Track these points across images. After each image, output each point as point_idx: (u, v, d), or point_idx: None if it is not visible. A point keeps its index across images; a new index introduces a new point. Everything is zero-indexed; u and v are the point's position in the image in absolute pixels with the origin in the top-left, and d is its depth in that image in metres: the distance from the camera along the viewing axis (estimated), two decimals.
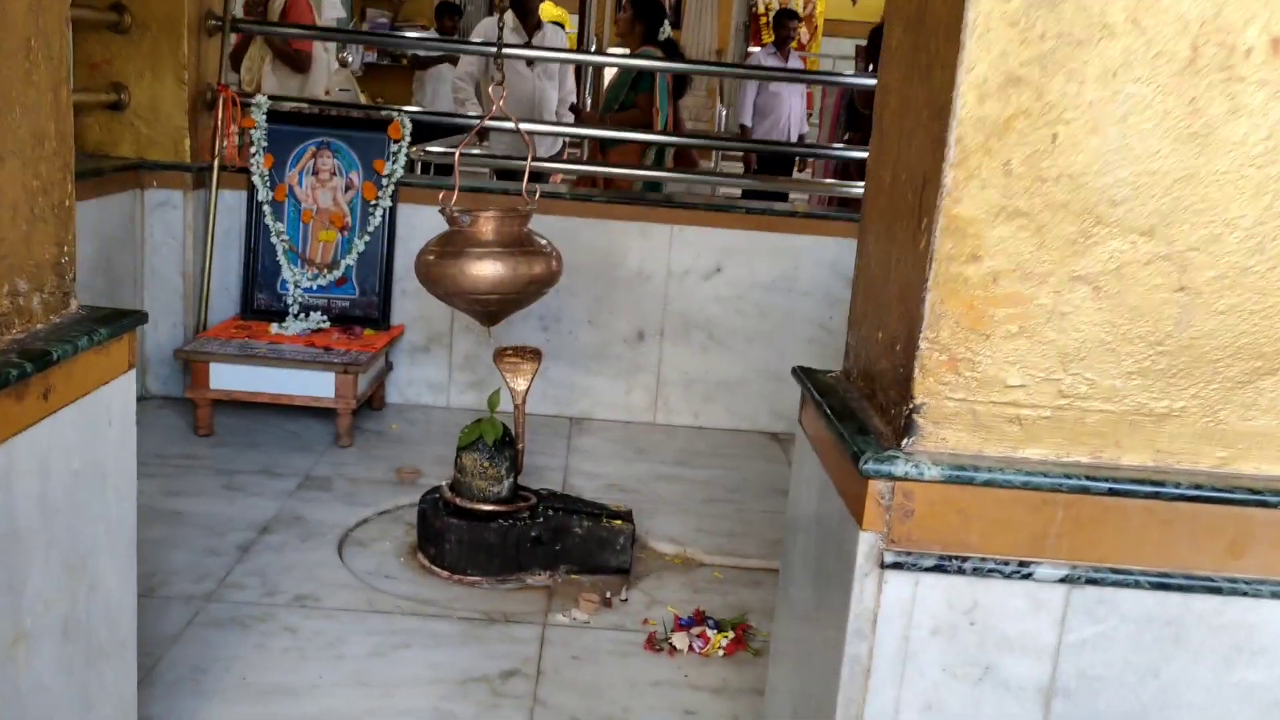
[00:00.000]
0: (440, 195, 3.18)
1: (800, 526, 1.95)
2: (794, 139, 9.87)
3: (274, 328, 4.38)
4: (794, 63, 10.24)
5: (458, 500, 3.32)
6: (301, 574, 3.14)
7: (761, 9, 17.29)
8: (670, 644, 2.91)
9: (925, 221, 1.50)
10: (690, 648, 2.90)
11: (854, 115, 8.22)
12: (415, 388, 4.79)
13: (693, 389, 4.80)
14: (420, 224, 4.44)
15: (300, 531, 3.42)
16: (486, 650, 2.82)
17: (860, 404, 1.75)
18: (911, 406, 1.52)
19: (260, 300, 4.56)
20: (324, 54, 6.95)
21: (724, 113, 12.69)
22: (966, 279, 1.48)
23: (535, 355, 3.44)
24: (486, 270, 3.10)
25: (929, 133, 1.52)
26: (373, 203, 4.53)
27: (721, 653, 2.90)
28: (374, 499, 3.73)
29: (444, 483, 3.44)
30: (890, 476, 1.50)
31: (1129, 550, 1.51)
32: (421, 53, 10.35)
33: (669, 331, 4.75)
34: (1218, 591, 1.51)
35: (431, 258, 3.17)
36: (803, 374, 1.96)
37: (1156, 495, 1.49)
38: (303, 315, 4.50)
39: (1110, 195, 1.45)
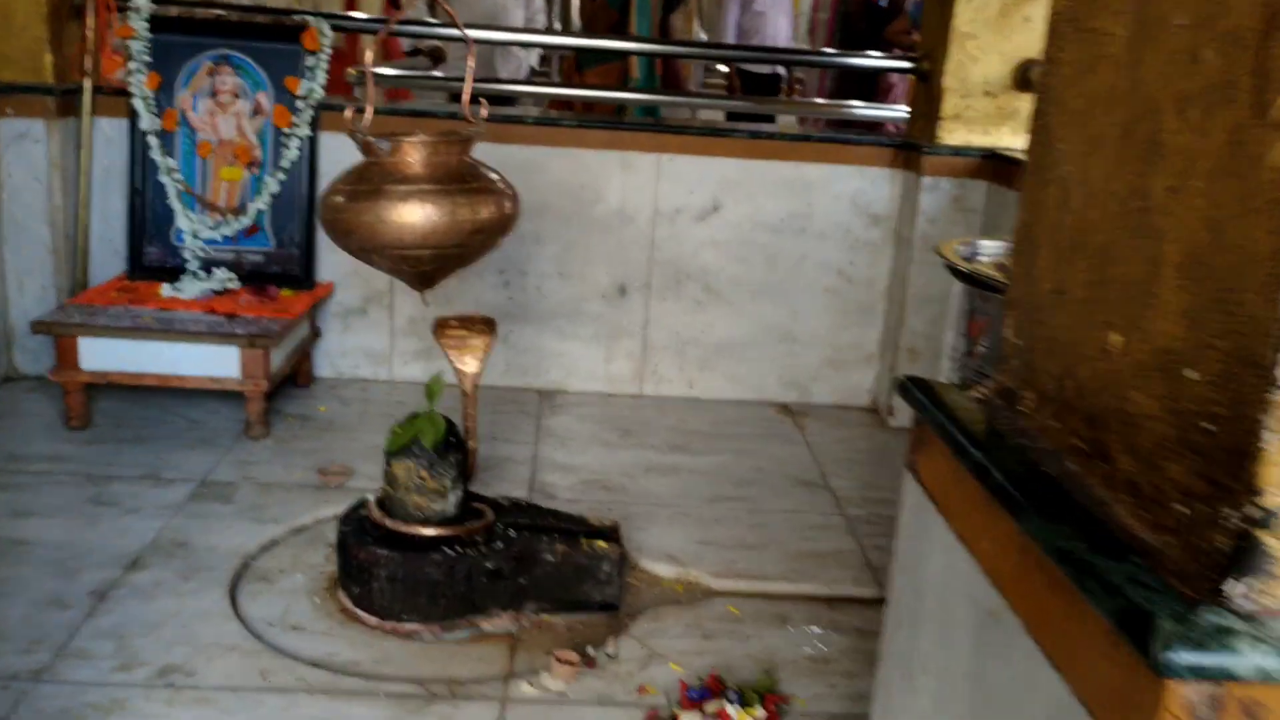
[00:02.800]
0: (347, 113, 2.32)
1: (932, 648, 1.14)
2: (780, 65, 9.00)
3: (165, 289, 3.51)
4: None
5: (388, 522, 2.50)
6: (174, 632, 2.33)
7: None
8: None
9: None
10: None
11: (850, 31, 7.34)
12: (350, 358, 3.94)
13: (686, 353, 3.98)
14: (348, 157, 3.53)
15: (182, 565, 2.60)
16: None
17: (1071, 473, 0.93)
18: (1252, 511, 0.70)
19: (151, 255, 3.68)
20: None
21: (702, 36, 11.72)
22: None
23: (487, 326, 2.61)
24: (414, 215, 2.25)
25: None
26: (287, 131, 3.64)
27: None
28: (287, 511, 2.90)
29: (372, 495, 2.62)
30: (1220, 676, 0.68)
31: None
32: None
33: (657, 284, 3.91)
34: None
35: (339, 199, 2.32)
36: (920, 394, 1.15)
37: None
38: (203, 273, 3.62)
39: None
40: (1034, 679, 0.85)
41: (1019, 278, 1.11)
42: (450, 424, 2.53)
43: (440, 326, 2.59)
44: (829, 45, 8.31)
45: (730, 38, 9.40)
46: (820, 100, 7.21)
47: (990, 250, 2.58)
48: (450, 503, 2.52)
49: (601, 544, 2.59)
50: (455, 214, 2.27)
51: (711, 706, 2.15)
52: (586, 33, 7.06)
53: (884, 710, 1.37)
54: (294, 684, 2.18)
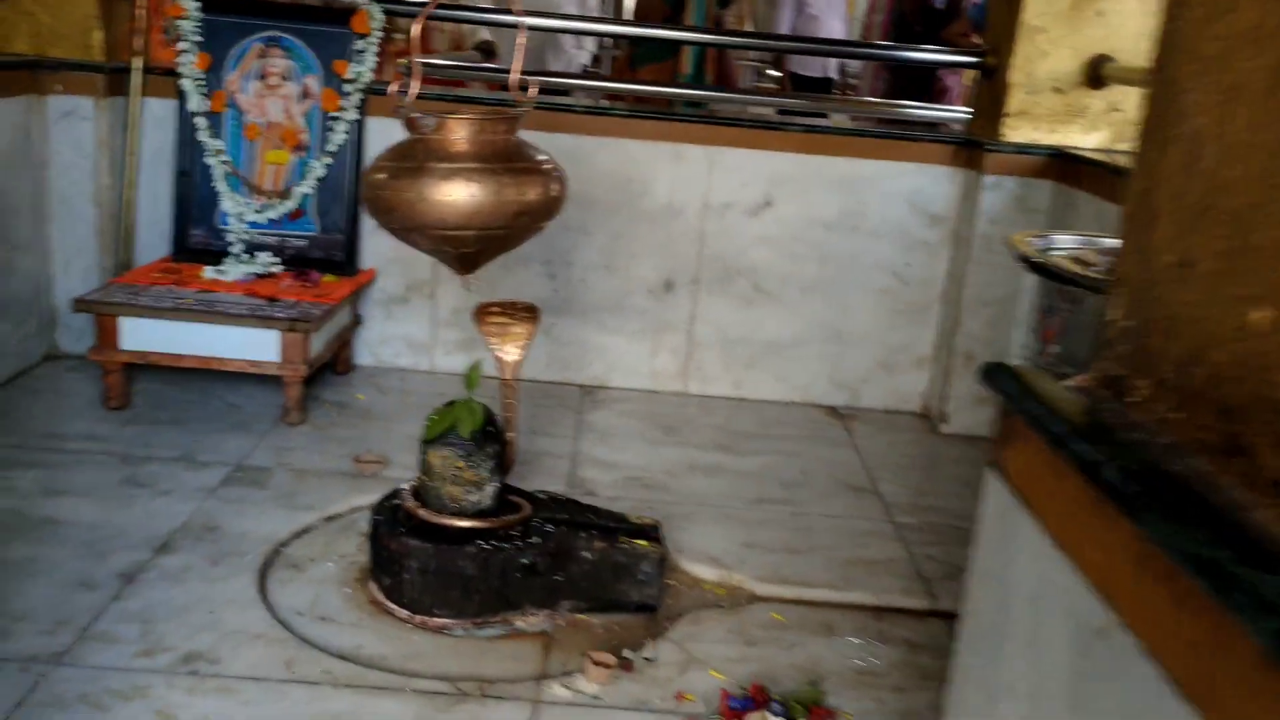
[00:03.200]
0: (392, 87, 2.24)
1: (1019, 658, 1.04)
2: (833, 68, 8.86)
3: (208, 271, 3.46)
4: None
5: (422, 512, 2.43)
6: (201, 618, 2.26)
7: None
8: None
9: None
10: None
11: (905, 33, 7.17)
12: (390, 347, 3.88)
13: (733, 352, 3.87)
14: (395, 141, 3.49)
15: (212, 550, 2.54)
16: None
17: (1202, 471, 0.82)
18: None
19: (196, 238, 3.64)
20: None
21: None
22: None
23: (530, 314, 2.52)
24: (458, 194, 2.17)
25: None
26: (334, 115, 3.59)
27: None
28: (321, 498, 2.84)
29: (407, 485, 2.55)
30: None
31: None
32: None
33: (705, 280, 3.81)
34: None
35: (382, 176, 2.24)
36: (1010, 381, 1.05)
37: None
38: (247, 256, 3.58)
39: None
40: (1156, 709, 0.74)
41: (1130, 252, 1.00)
42: (489, 413, 2.45)
43: (481, 313, 2.51)
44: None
45: None
46: (875, 99, 7.06)
47: (1065, 243, 2.45)
48: (486, 495, 2.44)
49: (642, 543, 2.50)
50: (500, 194, 2.19)
51: (754, 718, 2.05)
52: (639, 23, 6.99)
53: None
54: (320, 676, 2.11)
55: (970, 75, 4.81)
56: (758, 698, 2.11)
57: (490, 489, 2.45)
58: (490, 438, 2.44)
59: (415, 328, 3.85)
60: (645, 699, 2.14)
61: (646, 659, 2.28)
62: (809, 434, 3.65)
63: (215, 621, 2.25)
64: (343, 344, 3.69)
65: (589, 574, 2.45)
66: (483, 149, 2.22)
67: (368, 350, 3.87)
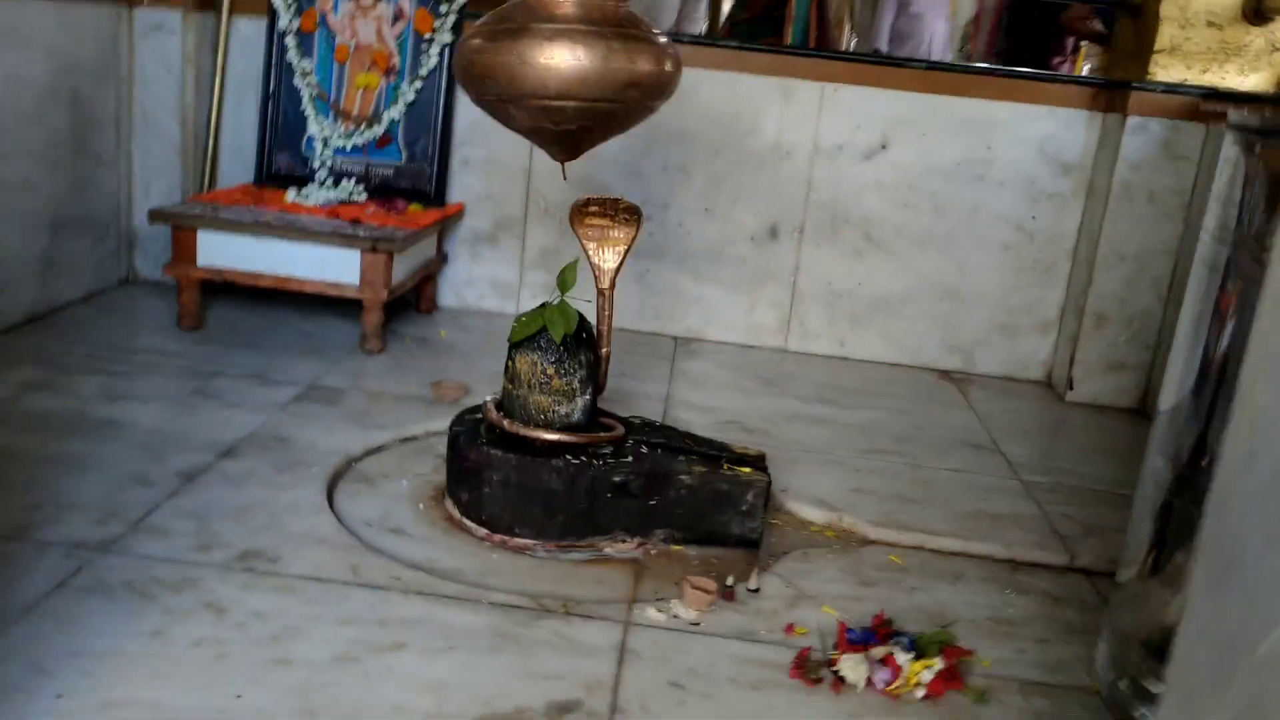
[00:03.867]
0: None
1: None
2: (938, 47, 8.53)
3: (291, 194, 3.31)
4: None
5: (506, 423, 2.20)
6: (262, 519, 2.06)
7: None
8: (835, 672, 1.75)
9: None
10: (869, 681, 1.73)
11: (1017, 25, 6.83)
12: (476, 288, 3.68)
13: (839, 307, 3.60)
14: None
15: (278, 458, 2.34)
16: (529, 664, 1.70)
17: None
18: None
19: (280, 163, 3.50)
20: None
21: (853, 41, 11.33)
22: None
23: (633, 217, 2.29)
24: (561, 57, 1.95)
25: None
26: (428, 37, 3.41)
27: (922, 692, 1.73)
28: (397, 420, 2.64)
29: (489, 397, 2.33)
30: None
31: None
32: None
33: (811, 228, 3.55)
34: None
35: (477, 41, 2.03)
36: None
37: None
38: (331, 182, 3.41)
39: None
40: None
41: None
42: (583, 319, 2.22)
43: (578, 213, 2.28)
44: (991, 46, 7.80)
45: (884, 40, 8.96)
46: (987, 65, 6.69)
47: None
48: (577, 407, 2.21)
49: (747, 470, 2.24)
50: (609, 61, 1.96)
51: (878, 652, 1.77)
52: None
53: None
54: (388, 582, 1.89)
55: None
56: (880, 629, 1.83)
57: (581, 402, 2.22)
58: (584, 344, 2.21)
59: (503, 269, 3.65)
60: (750, 629, 1.88)
61: (751, 590, 2.02)
62: (920, 394, 3.36)
63: (277, 523, 2.05)
64: (426, 279, 3.51)
65: (686, 500, 2.20)
66: (590, 12, 1.99)
67: (452, 291, 3.68)
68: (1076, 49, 6.05)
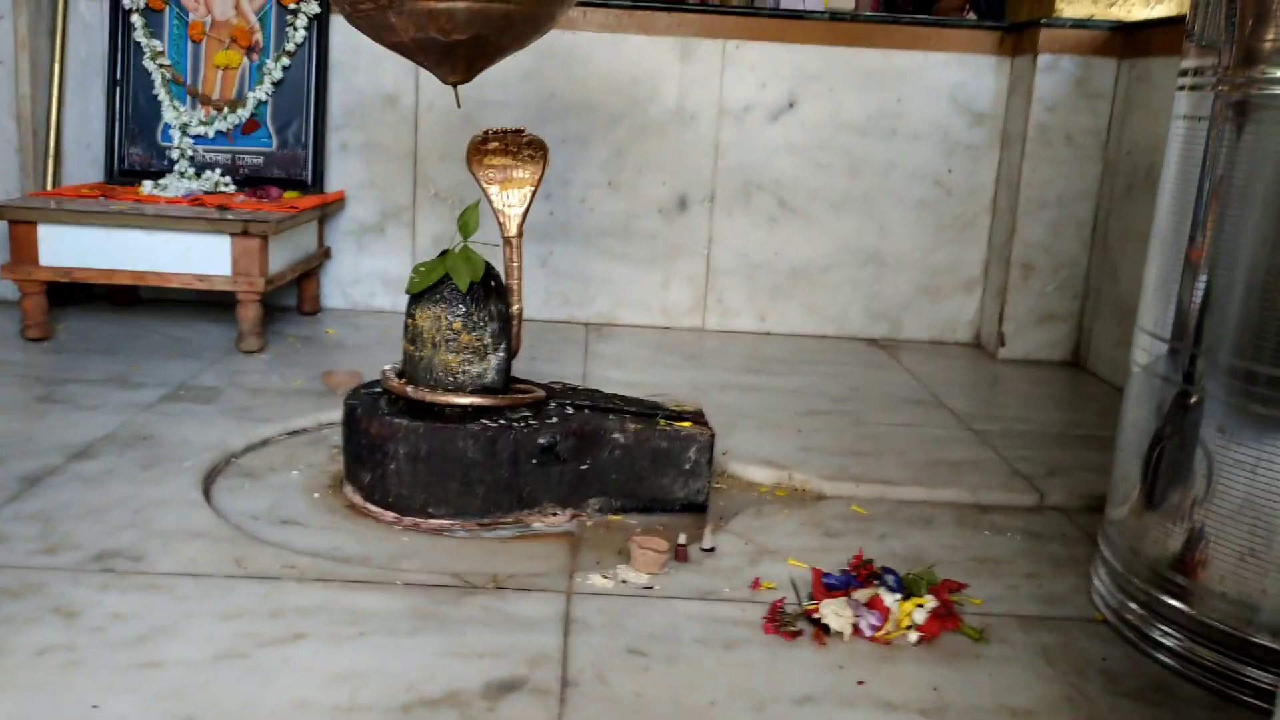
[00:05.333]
0: None
1: None
2: None
3: (146, 186, 2.96)
4: None
5: (410, 390, 1.92)
6: (123, 517, 1.73)
7: None
8: (815, 621, 1.50)
9: None
10: (855, 629, 1.49)
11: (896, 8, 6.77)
12: (364, 285, 3.37)
13: (757, 279, 3.40)
14: (364, 39, 3.03)
15: (143, 456, 2.01)
16: (459, 643, 1.41)
17: None
18: None
19: (133, 156, 3.15)
20: None
21: None
22: None
23: (538, 152, 2.04)
24: None
25: None
26: (293, 8, 3.12)
27: (915, 635, 1.50)
28: (283, 413, 2.32)
29: (388, 366, 2.04)
30: None
31: None
32: None
33: (722, 197, 3.34)
34: None
35: None
36: None
37: None
38: (193, 174, 3.08)
39: None
40: None
41: None
42: (490, 266, 1.95)
43: (476, 151, 2.02)
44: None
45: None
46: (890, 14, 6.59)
47: None
48: (490, 366, 1.94)
49: (687, 424, 1.99)
50: None
51: (862, 595, 1.53)
52: None
53: None
54: (280, 571, 1.58)
55: None
56: (860, 569, 1.59)
57: (494, 360, 1.94)
58: (493, 295, 1.94)
59: (393, 262, 3.35)
60: (711, 588, 1.62)
61: (705, 549, 1.76)
62: (851, 360, 3.16)
63: (141, 520, 1.72)
64: (308, 275, 3.19)
65: (622, 463, 1.94)
66: None
67: (338, 290, 3.36)
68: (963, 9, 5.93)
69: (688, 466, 1.96)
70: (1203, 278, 1.44)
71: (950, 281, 3.40)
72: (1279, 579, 1.36)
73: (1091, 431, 2.56)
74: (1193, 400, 1.46)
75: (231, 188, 3.06)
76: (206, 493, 1.90)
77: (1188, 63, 1.50)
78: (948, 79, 3.28)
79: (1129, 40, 3.03)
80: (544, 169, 2.06)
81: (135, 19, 3.08)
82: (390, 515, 1.87)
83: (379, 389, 2.02)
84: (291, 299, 3.27)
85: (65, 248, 2.68)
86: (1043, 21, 3.08)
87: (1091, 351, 3.17)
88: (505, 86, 3.18)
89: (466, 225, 1.95)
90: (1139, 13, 3.11)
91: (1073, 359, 3.26)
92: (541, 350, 3.00)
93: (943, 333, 3.43)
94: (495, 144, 2.03)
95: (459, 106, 2.04)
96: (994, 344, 3.29)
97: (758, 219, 3.36)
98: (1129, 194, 2.99)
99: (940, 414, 2.65)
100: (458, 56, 1.84)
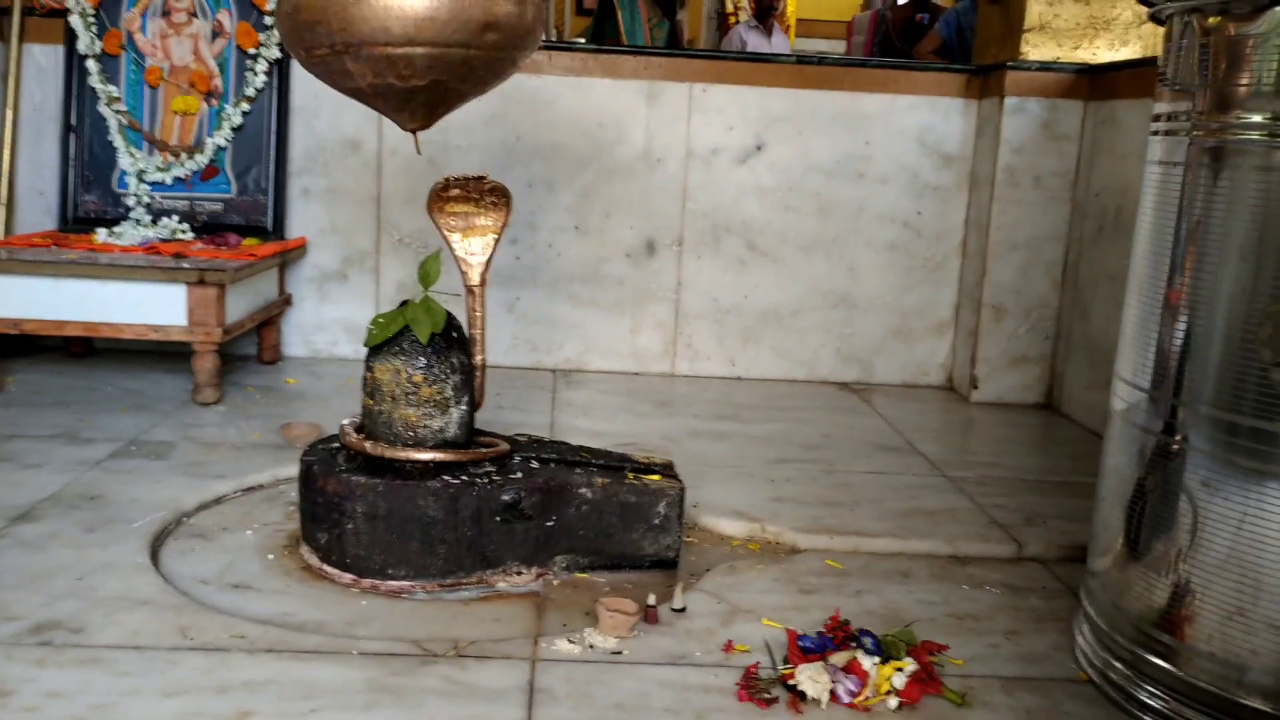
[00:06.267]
0: None
1: None
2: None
3: (101, 234, 2.89)
4: (778, 38, 8.71)
5: (369, 446, 1.85)
6: (63, 585, 1.65)
7: (730, 7, 16.07)
8: (791, 687, 1.44)
9: None
10: (833, 695, 1.43)
11: (890, 52, 6.77)
12: (327, 332, 3.30)
13: (726, 324, 3.35)
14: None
15: (88, 517, 1.92)
16: (417, 716, 1.34)
17: None
18: None
19: (88, 204, 3.07)
20: None
21: None
22: None
23: (501, 198, 2.00)
24: None
25: None
26: (253, 53, 3.07)
27: (895, 700, 1.43)
28: (238, 469, 2.24)
29: (346, 420, 1.97)
30: None
31: None
32: None
33: (691, 240, 3.31)
34: None
35: None
36: None
37: None
38: (149, 222, 3.01)
39: None
40: None
41: None
42: (451, 317, 1.90)
43: (437, 199, 1.97)
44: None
45: None
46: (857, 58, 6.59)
47: None
48: (452, 420, 1.87)
49: (656, 478, 1.93)
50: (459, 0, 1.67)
51: (839, 658, 1.47)
52: None
53: None
54: (228, 643, 1.50)
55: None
56: (836, 631, 1.53)
57: (456, 414, 1.88)
58: (455, 346, 1.88)
59: (356, 309, 3.28)
60: (682, 653, 1.56)
61: (676, 610, 1.70)
62: (823, 405, 3.12)
63: (83, 589, 1.64)
64: (269, 324, 3.11)
65: (589, 519, 1.88)
66: None
67: (299, 338, 3.29)
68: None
69: (657, 522, 1.90)
70: (1181, 326, 1.40)
71: (921, 324, 3.38)
72: (1268, 638, 1.32)
73: (1067, 478, 2.53)
74: (1174, 450, 1.42)
75: (189, 235, 2.99)
76: (155, 556, 1.82)
77: (1161, 107, 1.48)
78: (915, 121, 3.27)
79: (1095, 83, 3.03)
80: (507, 216, 2.01)
81: (91, 64, 3.02)
82: (348, 577, 1.79)
83: (337, 444, 1.95)
84: (251, 347, 3.19)
85: (14, 299, 2.60)
86: (1009, 65, 3.08)
87: (1064, 394, 3.14)
88: (469, 131, 3.14)
89: (427, 274, 1.89)
90: (1104, 55, 3.12)
91: (1046, 401, 3.23)
92: (508, 398, 2.94)
93: (915, 376, 3.40)
94: (457, 191, 1.98)
95: (419, 153, 1.99)
96: (966, 387, 3.26)
97: (727, 262, 3.32)
98: (1099, 236, 2.98)
99: (914, 460, 2.61)
100: (417, 103, 1.79)
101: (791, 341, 3.37)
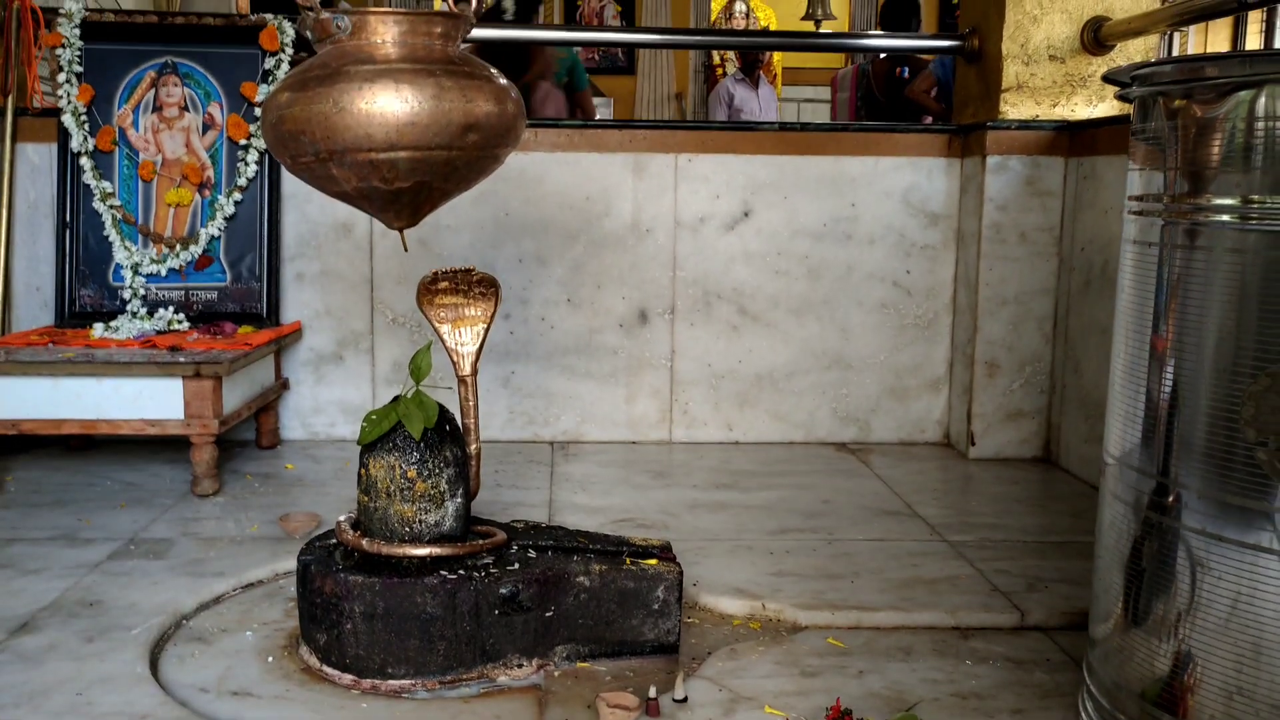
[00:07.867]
0: None
1: None
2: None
3: (97, 329, 2.91)
4: (765, 90, 8.80)
5: (365, 543, 1.85)
6: (63, 701, 1.64)
7: (717, 60, 16.25)
8: None
9: None
10: None
11: (873, 105, 6.84)
12: (325, 415, 3.31)
13: (721, 389, 3.36)
14: None
15: (88, 626, 1.92)
16: None
17: None
18: None
19: (84, 299, 3.10)
20: None
21: None
22: None
23: (490, 289, 2.01)
24: (386, 100, 1.68)
25: None
26: (244, 144, 3.12)
27: None
28: (236, 565, 2.23)
29: (342, 517, 1.97)
30: None
31: None
32: None
33: (682, 307, 3.33)
34: None
35: (286, 95, 1.75)
36: None
37: None
38: (145, 314, 3.04)
39: None
40: None
41: None
42: (444, 410, 1.91)
43: (426, 292, 1.99)
44: (853, 118, 7.68)
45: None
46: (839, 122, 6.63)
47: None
48: (448, 514, 1.88)
49: (653, 563, 1.93)
50: (440, 101, 1.70)
51: None
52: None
53: None
54: None
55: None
56: None
57: (452, 508, 1.89)
58: (448, 439, 1.89)
59: (352, 390, 3.30)
60: None
61: (678, 700, 1.69)
62: (821, 468, 3.12)
63: (82, 704, 1.63)
64: (266, 410, 3.13)
65: (588, 607, 1.88)
66: (416, 51, 1.75)
67: (297, 420, 3.30)
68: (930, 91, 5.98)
69: (656, 606, 1.90)
70: (1164, 406, 1.41)
71: (916, 382, 3.39)
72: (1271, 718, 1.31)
73: (1067, 537, 2.52)
74: (1166, 528, 1.42)
75: (185, 325, 3.02)
76: (154, 664, 1.82)
77: (1133, 187, 1.50)
78: (900, 182, 3.31)
79: (1075, 139, 3.07)
80: (496, 306, 2.03)
81: (84, 161, 3.06)
82: (348, 678, 1.79)
83: (333, 541, 1.95)
84: (250, 433, 3.20)
85: (12, 399, 2.61)
86: (989, 124, 3.12)
87: (1062, 447, 3.14)
88: (458, 210, 3.17)
89: (419, 369, 1.91)
90: (1082, 111, 3.16)
91: (1044, 455, 3.23)
92: (506, 475, 2.94)
93: (912, 433, 3.40)
94: (445, 284, 2.00)
95: (405, 250, 2.01)
96: (964, 443, 3.26)
97: (719, 328, 3.34)
98: (1086, 289, 3.00)
99: (914, 525, 2.60)
100: (402, 203, 1.82)
101: (787, 404, 3.38)
